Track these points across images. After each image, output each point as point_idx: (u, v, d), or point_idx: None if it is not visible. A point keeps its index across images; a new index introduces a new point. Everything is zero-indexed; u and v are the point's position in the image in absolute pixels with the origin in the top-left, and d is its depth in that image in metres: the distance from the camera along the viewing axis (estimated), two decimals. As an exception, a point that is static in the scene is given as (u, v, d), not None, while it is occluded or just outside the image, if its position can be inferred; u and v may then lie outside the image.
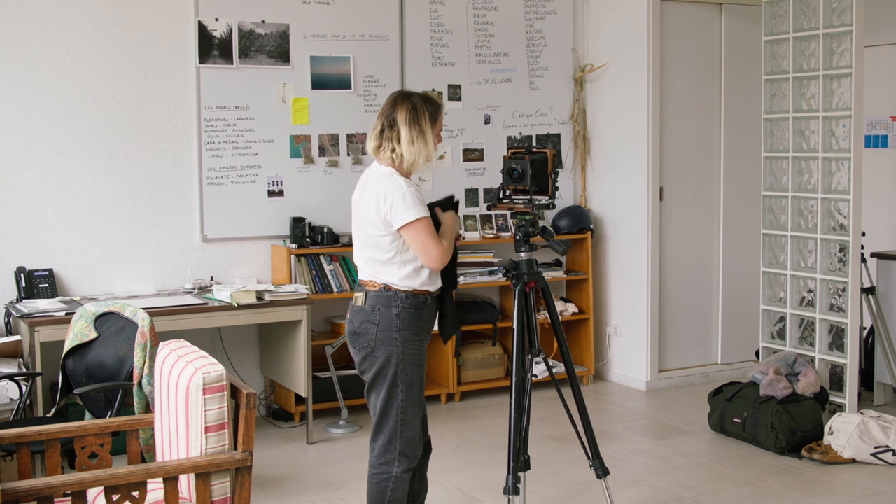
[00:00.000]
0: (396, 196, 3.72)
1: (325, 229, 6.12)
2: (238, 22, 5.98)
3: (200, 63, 5.90)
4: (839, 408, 5.61)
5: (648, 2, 6.57)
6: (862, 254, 5.70)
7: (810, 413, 5.39)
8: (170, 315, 5.18)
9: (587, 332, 6.98)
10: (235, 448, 3.11)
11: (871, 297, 6.20)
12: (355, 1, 6.31)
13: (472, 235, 6.62)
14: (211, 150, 5.96)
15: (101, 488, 2.98)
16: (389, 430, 3.78)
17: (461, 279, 6.42)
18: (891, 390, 6.31)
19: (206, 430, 3.04)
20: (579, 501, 4.73)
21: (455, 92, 6.69)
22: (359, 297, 3.82)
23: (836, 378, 5.69)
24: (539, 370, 5.89)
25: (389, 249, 3.76)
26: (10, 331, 5.30)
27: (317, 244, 6.10)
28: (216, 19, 5.92)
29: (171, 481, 3.01)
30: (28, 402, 4.65)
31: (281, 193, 6.16)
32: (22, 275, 5.44)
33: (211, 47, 5.92)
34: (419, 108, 3.81)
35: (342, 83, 6.31)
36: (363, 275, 3.85)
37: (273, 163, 6.14)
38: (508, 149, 4.22)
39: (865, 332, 6.27)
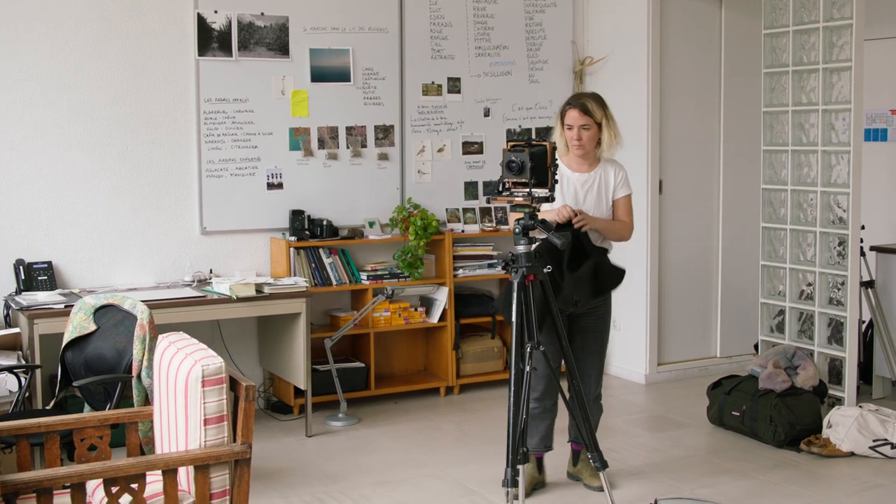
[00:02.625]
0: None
1: (325, 222, 6.12)
2: (237, 14, 5.97)
3: (200, 55, 5.89)
4: (838, 401, 5.62)
5: (648, -6, 6.57)
6: (861, 247, 5.70)
7: (809, 406, 5.40)
8: (169, 307, 5.18)
9: (586, 325, 6.97)
10: (234, 440, 3.11)
11: (870, 290, 6.20)
12: (355, -7, 6.31)
13: (472, 228, 6.62)
14: (210, 143, 5.95)
15: (101, 480, 2.98)
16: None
17: (459, 272, 6.43)
18: (889, 384, 6.31)
19: (206, 422, 3.04)
20: (578, 494, 4.74)
21: (454, 85, 6.68)
22: None
23: (835, 371, 5.70)
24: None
25: None
26: (9, 323, 5.30)
27: (316, 237, 6.10)
28: (215, 11, 5.91)
29: (170, 474, 3.02)
30: (27, 394, 4.65)
31: (280, 186, 6.16)
32: (21, 267, 5.44)
33: (210, 39, 5.91)
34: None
35: (341, 76, 6.31)
36: None
37: (272, 155, 6.13)
38: (508, 142, 4.21)
39: (864, 326, 6.27)
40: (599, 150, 4.61)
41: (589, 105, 4.52)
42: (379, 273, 6.25)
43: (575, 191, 4.56)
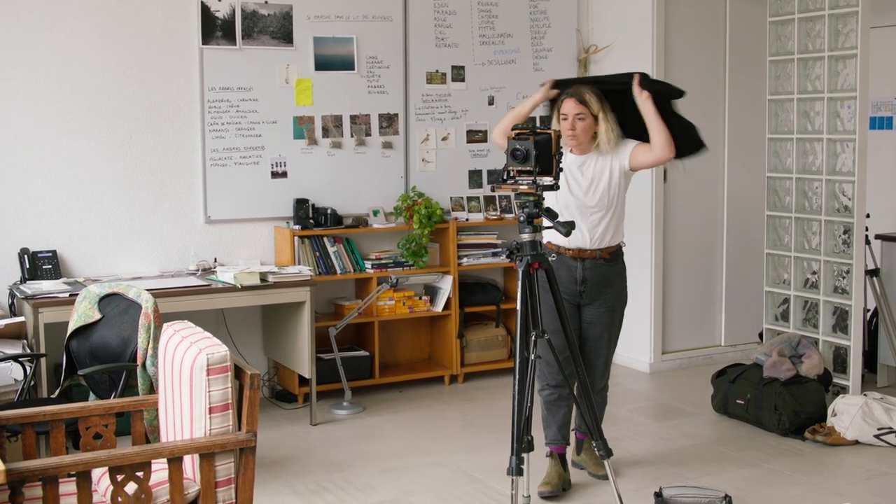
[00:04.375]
0: None
1: (329, 210, 6.12)
2: (241, 2, 5.96)
3: (203, 44, 5.88)
4: (842, 389, 5.62)
5: (653, -18, 6.55)
6: (866, 235, 5.69)
7: (814, 395, 5.40)
8: (173, 296, 5.18)
9: (591, 313, 6.97)
10: (239, 429, 3.12)
11: (875, 278, 6.19)
12: (358, -19, 6.29)
13: (476, 217, 6.62)
14: (214, 132, 5.95)
15: (106, 469, 2.99)
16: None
17: (464, 260, 6.43)
18: (894, 372, 6.30)
19: (210, 410, 3.04)
20: (583, 482, 4.74)
21: (458, 73, 6.66)
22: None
23: (840, 360, 5.70)
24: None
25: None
26: (14, 312, 5.30)
27: (320, 225, 6.10)
28: (219, 0, 5.90)
29: (175, 462, 3.02)
30: (32, 383, 4.66)
31: (284, 175, 6.16)
32: (26, 256, 5.44)
33: (214, 28, 5.90)
34: None
35: (345, 64, 6.29)
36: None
37: (276, 144, 6.13)
38: (512, 130, 4.19)
39: (869, 314, 6.26)
40: (595, 145, 4.50)
41: (585, 95, 4.46)
42: (383, 262, 6.25)
43: (570, 172, 4.49)
